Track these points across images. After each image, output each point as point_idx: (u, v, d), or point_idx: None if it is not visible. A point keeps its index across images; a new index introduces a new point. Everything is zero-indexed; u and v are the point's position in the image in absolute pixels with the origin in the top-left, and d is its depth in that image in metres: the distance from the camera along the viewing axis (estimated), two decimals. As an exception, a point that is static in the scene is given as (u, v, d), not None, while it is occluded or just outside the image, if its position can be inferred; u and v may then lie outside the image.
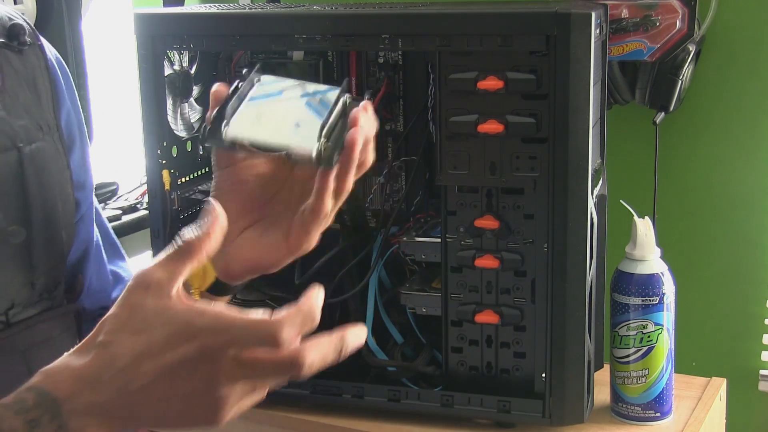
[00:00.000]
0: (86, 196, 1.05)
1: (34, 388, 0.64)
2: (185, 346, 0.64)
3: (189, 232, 0.69)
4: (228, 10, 1.20)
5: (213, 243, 0.69)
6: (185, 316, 0.65)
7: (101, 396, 0.64)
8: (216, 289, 0.82)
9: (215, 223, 0.70)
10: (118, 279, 1.10)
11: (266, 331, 0.65)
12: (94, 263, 1.06)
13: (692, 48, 1.53)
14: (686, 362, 1.59)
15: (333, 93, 0.78)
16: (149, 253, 1.28)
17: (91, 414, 0.64)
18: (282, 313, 0.66)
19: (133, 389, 0.64)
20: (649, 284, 1.13)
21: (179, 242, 0.68)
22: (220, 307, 0.66)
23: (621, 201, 1.17)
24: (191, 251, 0.68)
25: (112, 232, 1.13)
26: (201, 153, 1.32)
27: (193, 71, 1.27)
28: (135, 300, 0.66)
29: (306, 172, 0.79)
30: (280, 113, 0.75)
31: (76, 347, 0.67)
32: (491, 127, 1.08)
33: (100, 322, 0.67)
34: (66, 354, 0.67)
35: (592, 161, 1.10)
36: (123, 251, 1.15)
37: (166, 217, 1.22)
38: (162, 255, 0.68)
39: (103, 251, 1.08)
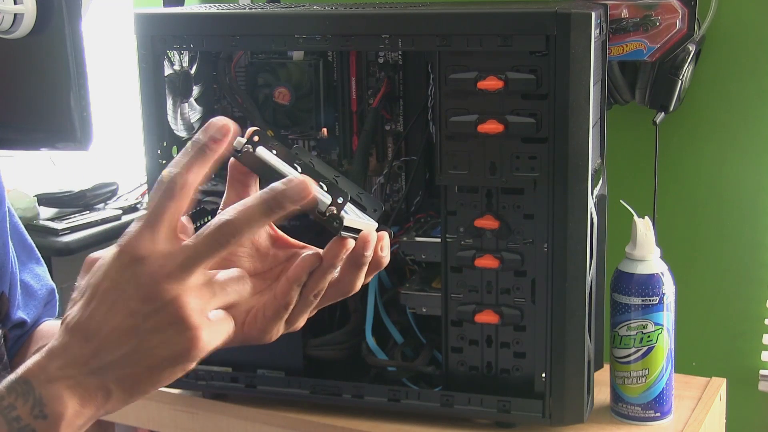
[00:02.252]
0: None
1: (6, 380, 0.64)
2: (116, 265, 0.63)
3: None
4: (228, 10, 1.20)
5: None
6: (111, 249, 0.64)
7: (66, 356, 0.63)
8: None
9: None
10: (29, 293, 1.00)
11: (165, 183, 0.64)
12: (12, 279, 0.97)
13: (692, 48, 1.53)
14: (686, 362, 1.59)
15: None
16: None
17: (62, 377, 0.63)
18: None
19: (91, 333, 0.63)
20: (649, 284, 1.13)
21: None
22: None
23: (621, 201, 1.17)
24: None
25: (26, 234, 1.03)
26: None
27: (193, 71, 1.27)
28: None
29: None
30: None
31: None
32: (491, 127, 1.08)
33: None
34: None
35: (592, 161, 1.10)
36: (38, 254, 1.05)
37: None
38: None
39: (15, 262, 0.98)
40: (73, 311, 0.65)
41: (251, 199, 0.64)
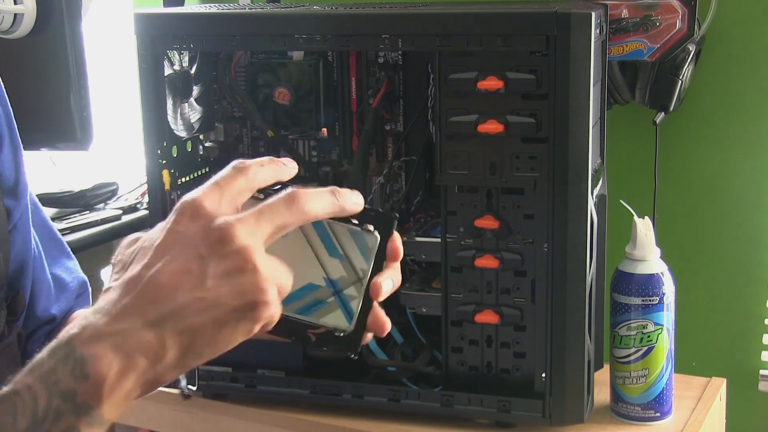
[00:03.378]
0: (18, 202, 0.92)
1: (49, 346, 0.61)
2: (172, 223, 0.63)
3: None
4: (228, 10, 1.20)
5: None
6: (177, 208, 0.64)
7: (109, 313, 0.60)
8: None
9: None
10: (60, 287, 0.98)
11: (241, 170, 0.65)
12: (36, 274, 0.94)
13: (692, 48, 1.53)
14: (686, 362, 1.59)
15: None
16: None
17: (105, 336, 0.59)
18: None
19: (136, 291, 0.61)
20: (649, 284, 1.13)
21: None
22: None
23: (621, 201, 1.17)
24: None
25: (54, 228, 1.01)
26: (201, 153, 1.32)
27: (193, 71, 1.27)
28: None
29: None
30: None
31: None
32: (491, 127, 1.08)
33: None
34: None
35: (592, 161, 1.10)
36: (68, 248, 1.03)
37: (166, 217, 1.22)
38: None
39: (43, 257, 0.96)
40: (119, 275, 0.63)
41: (319, 189, 0.66)
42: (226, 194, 0.63)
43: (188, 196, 0.64)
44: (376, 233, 0.70)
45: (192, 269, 0.60)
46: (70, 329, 0.61)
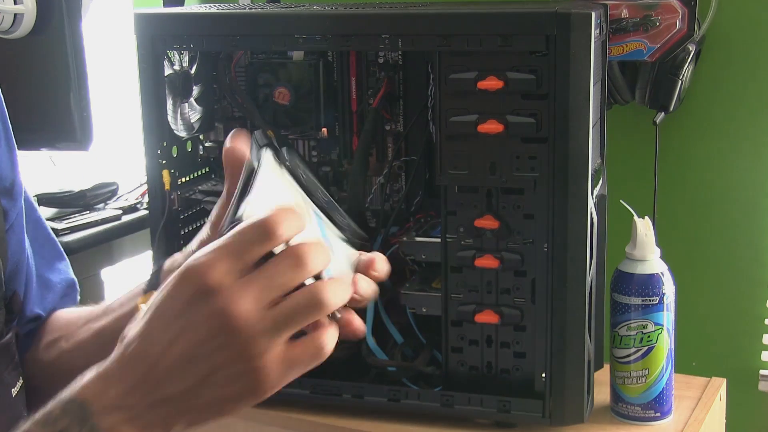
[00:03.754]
0: (14, 203, 0.92)
1: (60, 398, 0.62)
2: (183, 294, 0.61)
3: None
4: (228, 10, 1.20)
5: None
6: (176, 274, 0.62)
7: (123, 385, 0.61)
8: None
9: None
10: (46, 287, 0.98)
11: (260, 228, 0.62)
12: (27, 274, 0.95)
13: (692, 48, 1.53)
14: (686, 362, 1.59)
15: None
16: (149, 253, 1.28)
17: (120, 408, 0.61)
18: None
19: (152, 364, 0.61)
20: (649, 284, 1.13)
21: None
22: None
23: (621, 201, 1.17)
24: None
25: (49, 228, 1.02)
26: (201, 153, 1.32)
27: (193, 71, 1.27)
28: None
29: None
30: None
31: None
32: (491, 127, 1.08)
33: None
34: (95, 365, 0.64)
35: (592, 161, 1.10)
36: (61, 249, 1.03)
37: (166, 217, 1.22)
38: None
39: (32, 258, 0.96)
40: (131, 329, 0.63)
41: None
42: (238, 263, 0.61)
43: (194, 262, 0.61)
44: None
45: (196, 356, 0.61)
46: (85, 385, 0.62)
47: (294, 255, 0.62)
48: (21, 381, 0.87)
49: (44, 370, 0.92)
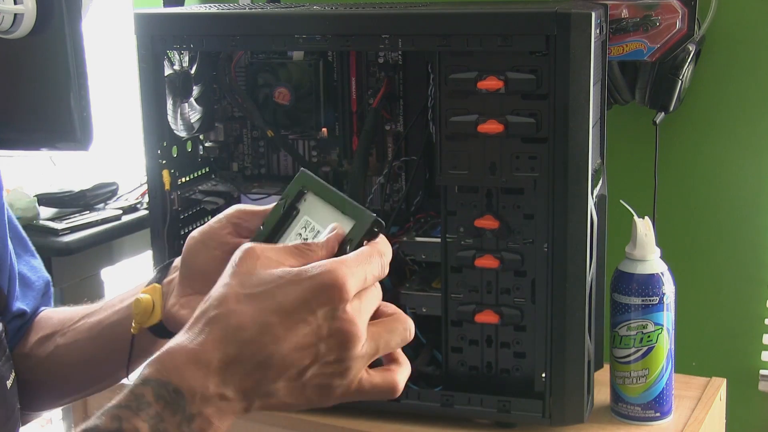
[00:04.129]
0: None
1: (150, 380, 0.60)
2: (311, 303, 0.61)
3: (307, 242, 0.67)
4: (228, 10, 1.20)
5: (322, 253, 0.66)
6: (303, 277, 0.62)
7: (226, 375, 0.60)
8: (156, 330, 0.81)
9: (331, 239, 0.67)
10: (26, 284, 0.97)
11: (381, 257, 0.65)
12: (11, 270, 0.94)
13: (692, 48, 1.53)
14: (686, 362, 1.59)
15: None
16: (149, 253, 1.28)
17: (216, 399, 0.60)
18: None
19: (263, 360, 0.61)
20: (649, 284, 1.13)
21: (299, 243, 0.66)
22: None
23: (621, 201, 1.17)
24: (304, 253, 0.65)
25: (19, 226, 1.00)
26: (201, 153, 1.32)
27: (193, 71, 1.27)
28: (245, 268, 0.63)
29: None
30: None
31: (183, 329, 0.62)
32: (491, 127, 1.08)
33: (201, 302, 0.63)
34: (174, 338, 0.62)
35: (592, 161, 1.10)
36: (32, 247, 1.02)
37: (166, 217, 1.22)
38: (277, 246, 0.66)
39: (13, 254, 0.95)
40: (236, 308, 0.61)
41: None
42: (368, 281, 0.64)
43: (337, 272, 0.62)
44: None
45: (302, 362, 0.62)
46: (182, 371, 0.60)
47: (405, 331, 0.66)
48: (13, 374, 0.88)
49: (39, 365, 0.92)
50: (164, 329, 0.81)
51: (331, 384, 0.63)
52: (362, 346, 0.63)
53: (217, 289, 0.63)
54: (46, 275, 1.02)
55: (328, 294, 0.61)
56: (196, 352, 0.60)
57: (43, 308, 0.99)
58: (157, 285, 0.82)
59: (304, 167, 0.75)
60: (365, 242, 0.67)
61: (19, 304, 0.96)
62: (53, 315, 0.97)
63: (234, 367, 0.61)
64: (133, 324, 0.81)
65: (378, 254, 0.66)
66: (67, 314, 0.95)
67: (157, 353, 0.61)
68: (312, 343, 0.61)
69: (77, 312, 0.94)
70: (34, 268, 1.00)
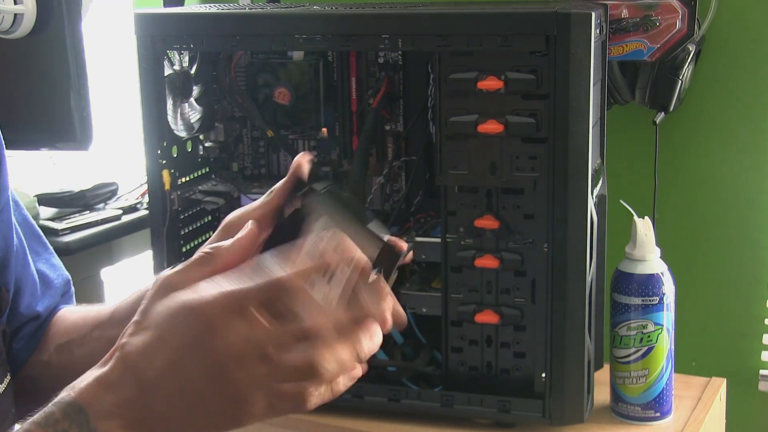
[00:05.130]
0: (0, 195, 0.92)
1: (59, 401, 0.64)
2: (190, 328, 0.62)
3: (213, 245, 0.67)
4: (228, 10, 1.20)
5: (231, 256, 0.66)
6: (186, 301, 0.63)
7: (122, 394, 0.63)
8: None
9: (242, 239, 0.67)
10: (45, 283, 0.98)
11: (281, 287, 0.63)
12: (19, 270, 0.93)
13: (692, 48, 1.53)
14: (686, 362, 1.59)
15: None
16: (149, 253, 1.28)
17: (117, 416, 0.63)
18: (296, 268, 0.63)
19: (149, 384, 0.63)
20: (649, 284, 1.13)
21: (202, 252, 0.66)
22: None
23: (621, 201, 1.17)
24: (208, 260, 0.66)
25: (36, 226, 1.01)
26: (201, 153, 1.32)
27: (193, 71, 1.27)
28: (150, 303, 0.65)
29: None
30: None
31: (102, 359, 0.66)
32: (491, 127, 1.08)
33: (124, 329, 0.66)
34: (93, 367, 0.66)
35: (592, 161, 1.10)
36: (51, 247, 1.02)
37: (166, 217, 1.22)
38: (184, 263, 0.66)
39: (28, 254, 0.95)
40: (132, 341, 0.64)
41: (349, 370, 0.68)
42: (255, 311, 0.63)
43: (203, 299, 0.62)
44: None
45: (193, 389, 0.63)
46: (82, 389, 0.63)
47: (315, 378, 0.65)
48: (8, 377, 0.87)
49: (60, 376, 0.91)
50: None
51: (235, 411, 0.63)
52: (254, 377, 0.63)
53: (132, 320, 0.66)
54: (66, 274, 1.01)
55: (195, 318, 0.62)
56: (100, 375, 0.64)
57: (61, 306, 0.99)
58: None
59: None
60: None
61: (36, 307, 0.95)
62: (68, 317, 0.96)
63: (123, 387, 0.63)
64: None
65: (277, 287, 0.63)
66: (78, 318, 0.94)
67: (76, 380, 0.65)
68: (197, 369, 0.63)
69: (88, 317, 0.93)
70: (54, 266, 1.00)
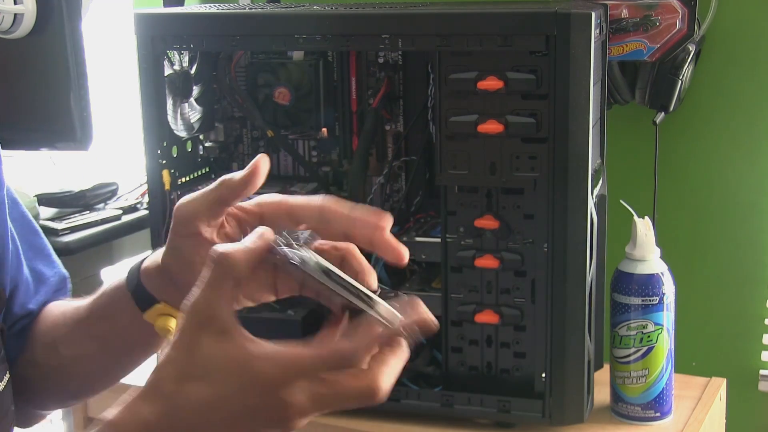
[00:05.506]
0: None
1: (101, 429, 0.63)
2: (254, 397, 0.61)
3: (223, 247, 0.64)
4: (228, 10, 1.20)
5: (255, 259, 0.64)
6: (253, 364, 0.61)
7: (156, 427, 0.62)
8: None
9: (264, 234, 0.66)
10: (40, 280, 0.96)
11: (343, 361, 0.63)
12: (12, 267, 0.92)
13: (692, 48, 1.53)
14: (686, 362, 1.59)
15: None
16: (149, 253, 1.28)
17: None
18: (357, 337, 0.63)
19: None
20: (649, 284, 1.13)
21: (216, 259, 0.63)
22: (289, 347, 0.62)
23: (621, 201, 1.17)
24: (236, 270, 0.63)
25: (35, 223, 0.99)
26: (201, 153, 1.32)
27: (193, 71, 1.27)
28: (192, 340, 0.62)
29: None
30: None
31: (141, 391, 0.64)
32: (491, 127, 1.08)
33: (158, 365, 0.64)
34: (131, 399, 0.63)
35: (592, 161, 1.10)
36: (49, 245, 1.01)
37: (166, 217, 1.22)
38: (207, 280, 0.63)
39: (21, 253, 0.94)
40: (183, 392, 0.62)
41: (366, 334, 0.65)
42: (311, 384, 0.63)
43: (271, 368, 0.61)
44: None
45: (219, 404, 0.62)
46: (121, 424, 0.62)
47: (368, 390, 0.64)
48: (8, 376, 0.87)
49: (48, 376, 0.92)
50: None
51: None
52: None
53: (168, 358, 0.63)
54: (63, 271, 1.01)
55: (258, 381, 0.61)
56: (147, 422, 0.62)
57: (52, 301, 0.98)
58: (161, 305, 0.81)
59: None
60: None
61: (29, 305, 0.95)
62: (51, 312, 0.96)
63: (158, 427, 0.62)
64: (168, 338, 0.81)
65: (339, 357, 0.62)
66: (59, 316, 0.93)
67: (116, 414, 0.63)
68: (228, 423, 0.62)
69: (68, 314, 0.91)
70: (52, 263, 0.99)
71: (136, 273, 0.83)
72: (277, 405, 0.61)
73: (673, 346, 1.16)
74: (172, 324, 0.80)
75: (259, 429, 0.62)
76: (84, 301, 0.90)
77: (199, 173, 1.31)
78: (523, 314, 1.13)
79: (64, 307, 0.94)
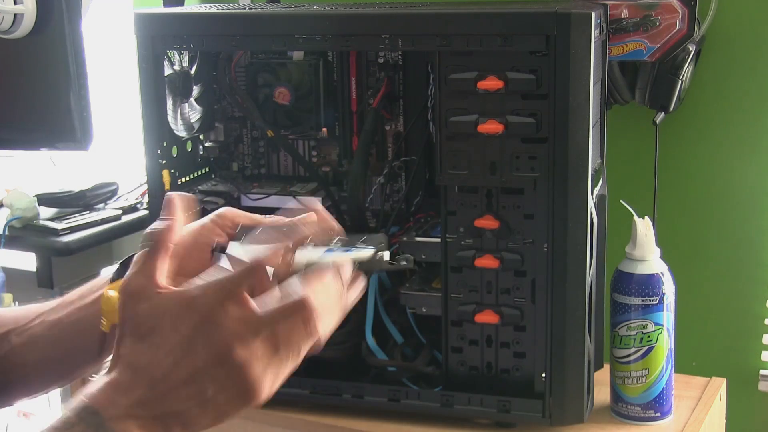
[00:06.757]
0: None
1: (75, 407, 0.66)
2: (188, 322, 0.66)
3: (150, 229, 0.70)
4: (228, 10, 1.20)
5: (175, 233, 0.71)
6: (177, 299, 0.67)
7: (134, 396, 0.65)
8: None
9: (173, 213, 0.72)
10: None
11: (253, 269, 0.67)
12: None
13: (692, 48, 1.53)
14: (686, 362, 1.59)
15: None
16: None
17: (132, 416, 0.65)
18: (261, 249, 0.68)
19: (160, 381, 0.66)
20: (649, 284, 1.13)
21: (144, 242, 0.70)
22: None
23: (621, 201, 1.17)
24: (158, 246, 0.69)
25: None
26: (201, 153, 1.32)
27: (193, 71, 1.27)
28: (129, 312, 0.68)
29: None
30: None
31: (107, 366, 0.69)
32: (491, 127, 1.08)
33: (114, 348, 0.69)
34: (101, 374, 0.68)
35: (592, 161, 1.10)
36: None
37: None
38: (134, 262, 0.69)
39: None
40: (135, 348, 0.66)
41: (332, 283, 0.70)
42: (238, 296, 0.66)
43: (199, 292, 0.66)
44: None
45: (192, 380, 0.66)
46: (95, 394, 0.66)
47: (304, 315, 0.66)
48: None
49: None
50: None
51: (239, 392, 0.66)
52: (251, 356, 0.66)
53: (118, 336, 0.68)
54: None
55: (194, 312, 0.66)
56: (110, 381, 0.67)
57: None
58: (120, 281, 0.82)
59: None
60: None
61: None
62: (5, 313, 0.96)
63: (135, 388, 0.66)
64: (103, 321, 0.81)
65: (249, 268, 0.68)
66: (20, 312, 0.94)
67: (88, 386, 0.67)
68: (198, 362, 0.66)
69: (31, 310, 0.93)
70: None
71: (121, 268, 0.83)
72: (210, 324, 0.65)
73: (673, 346, 1.16)
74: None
75: (204, 358, 0.65)
76: (55, 300, 0.91)
77: (199, 173, 1.31)
78: (523, 314, 1.13)
79: (30, 306, 0.95)
